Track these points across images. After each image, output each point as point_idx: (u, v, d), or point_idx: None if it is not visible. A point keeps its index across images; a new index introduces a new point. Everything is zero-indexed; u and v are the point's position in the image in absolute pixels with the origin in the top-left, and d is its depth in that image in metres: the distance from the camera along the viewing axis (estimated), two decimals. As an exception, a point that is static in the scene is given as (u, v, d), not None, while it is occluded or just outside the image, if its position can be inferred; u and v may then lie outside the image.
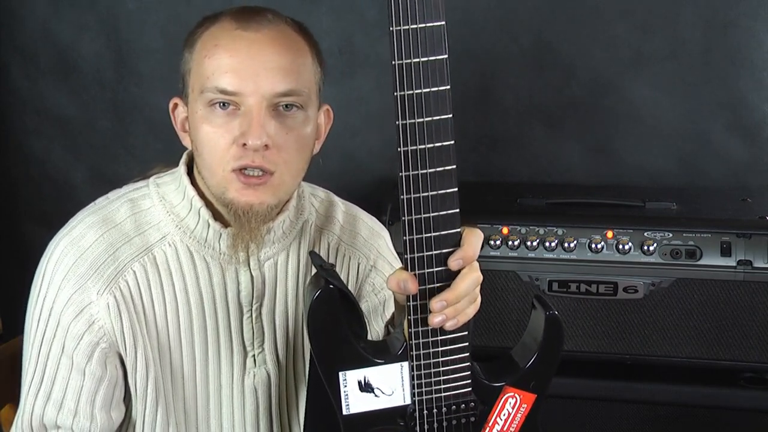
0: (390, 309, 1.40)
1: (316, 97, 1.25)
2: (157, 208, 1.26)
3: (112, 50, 2.47)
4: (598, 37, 2.28)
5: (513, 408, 1.22)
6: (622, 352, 1.87)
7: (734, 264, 1.80)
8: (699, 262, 1.82)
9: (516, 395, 1.22)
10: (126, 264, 1.22)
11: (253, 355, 1.30)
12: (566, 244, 1.85)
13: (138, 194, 1.28)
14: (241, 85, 1.16)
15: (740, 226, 1.84)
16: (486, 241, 1.86)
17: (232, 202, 1.19)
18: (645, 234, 1.84)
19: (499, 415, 1.21)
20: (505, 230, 1.87)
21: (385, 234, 1.45)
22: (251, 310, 1.29)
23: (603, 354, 1.87)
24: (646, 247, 1.83)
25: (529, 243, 1.86)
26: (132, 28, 2.44)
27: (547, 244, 1.86)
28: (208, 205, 1.25)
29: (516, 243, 1.86)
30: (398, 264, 1.43)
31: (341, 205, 1.42)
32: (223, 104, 1.17)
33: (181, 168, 1.28)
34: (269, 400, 1.32)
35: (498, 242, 1.86)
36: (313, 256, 1.22)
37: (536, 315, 1.24)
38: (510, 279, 1.87)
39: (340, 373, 1.16)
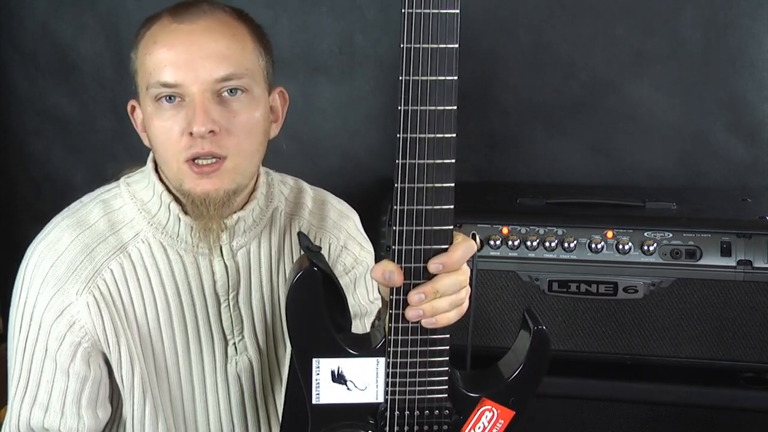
0: (361, 287, 1.43)
1: (262, 80, 1.26)
2: (129, 206, 1.28)
3: (112, 50, 2.46)
4: (598, 37, 2.27)
5: (489, 422, 1.18)
6: (622, 352, 1.87)
7: (734, 264, 1.80)
8: (699, 262, 1.81)
9: (493, 409, 1.18)
10: (103, 263, 1.24)
11: (234, 343, 1.32)
12: (566, 244, 1.85)
13: (109, 194, 1.31)
14: (180, 75, 1.18)
15: (740, 226, 1.84)
16: (486, 241, 1.86)
17: (189, 192, 1.21)
18: (645, 234, 1.84)
19: (473, 427, 1.18)
20: (505, 230, 1.87)
21: (354, 216, 1.46)
22: (228, 299, 1.30)
23: (603, 354, 1.87)
24: (646, 247, 1.83)
25: (529, 243, 1.86)
26: (132, 28, 2.41)
27: (547, 244, 1.86)
28: (177, 199, 1.26)
29: (516, 243, 1.86)
30: (368, 245, 1.46)
31: (310, 191, 1.44)
32: (169, 98, 1.20)
33: (149, 165, 1.30)
34: (253, 387, 1.34)
35: (498, 242, 1.86)
36: (301, 237, 1.23)
37: (524, 329, 1.20)
38: (510, 279, 1.87)
39: (314, 360, 1.14)
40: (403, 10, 0.99)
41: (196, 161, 1.19)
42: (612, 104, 2.30)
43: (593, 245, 1.84)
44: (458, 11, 1.00)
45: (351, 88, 2.37)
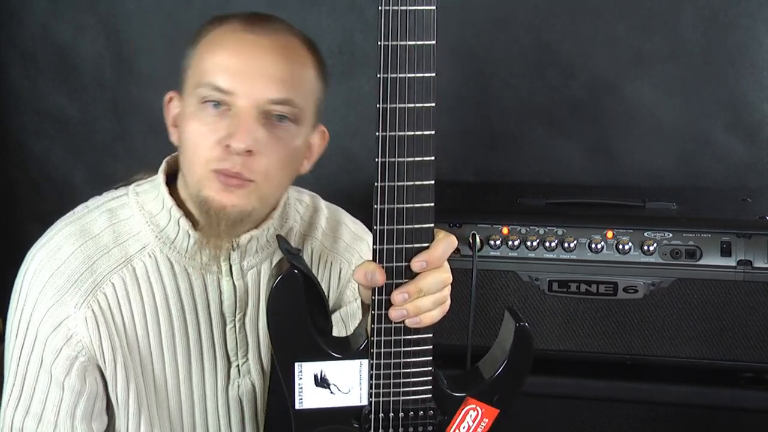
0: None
1: (312, 115, 1.23)
2: (137, 218, 1.24)
3: (112, 50, 2.46)
4: (598, 37, 2.28)
5: (474, 421, 1.17)
6: (622, 352, 1.86)
7: (734, 264, 1.80)
8: (699, 262, 1.81)
9: (478, 408, 1.17)
10: (104, 276, 1.20)
11: (237, 365, 1.28)
12: (566, 244, 1.85)
13: (117, 203, 1.26)
14: (235, 84, 1.14)
15: (740, 226, 1.84)
16: (486, 241, 1.86)
17: (207, 200, 1.17)
18: (645, 234, 1.84)
19: (458, 427, 1.17)
20: (505, 230, 1.87)
21: (369, 237, 1.41)
22: (234, 320, 1.27)
23: (603, 354, 1.87)
24: (646, 247, 1.83)
25: (529, 243, 1.86)
26: (132, 28, 2.44)
27: (547, 244, 1.86)
28: (188, 214, 1.22)
29: (516, 243, 1.86)
30: None
31: (325, 210, 1.40)
32: (216, 104, 1.15)
33: (160, 176, 1.25)
34: (254, 410, 1.31)
35: (498, 242, 1.86)
36: (280, 240, 1.19)
37: (506, 326, 1.19)
38: (510, 279, 1.87)
39: (296, 364, 1.11)
40: (379, 8, 0.98)
41: (224, 172, 1.15)
42: (612, 104, 2.30)
43: (593, 245, 1.84)
44: (435, 8, 0.99)
45: (351, 88, 2.36)
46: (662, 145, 2.30)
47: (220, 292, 1.25)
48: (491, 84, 2.34)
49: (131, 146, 2.52)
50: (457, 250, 1.84)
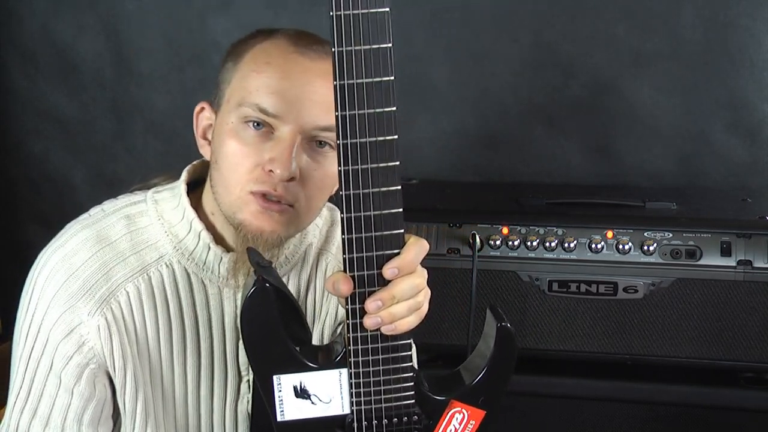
0: None
1: None
2: (155, 226, 1.22)
3: (112, 50, 2.47)
4: (598, 37, 2.28)
5: (460, 424, 1.16)
6: (622, 352, 1.86)
7: (734, 264, 1.80)
8: (699, 262, 1.81)
9: (463, 410, 1.16)
10: (119, 284, 1.18)
11: (248, 380, 1.26)
12: (566, 244, 1.85)
13: (134, 210, 1.23)
14: (283, 109, 1.12)
15: (740, 226, 1.84)
16: (486, 241, 1.86)
17: (243, 224, 1.15)
18: (645, 234, 1.84)
19: (445, 430, 1.16)
20: (505, 230, 1.87)
21: None
22: None
23: (603, 354, 1.87)
24: (646, 247, 1.83)
25: (529, 243, 1.86)
26: (132, 28, 2.45)
27: (547, 244, 1.86)
28: (209, 227, 1.21)
29: (516, 243, 1.86)
30: None
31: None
32: (258, 124, 1.13)
33: (182, 186, 1.23)
34: None
35: (498, 242, 1.86)
36: (250, 252, 1.15)
37: (489, 326, 1.17)
38: (510, 279, 1.87)
39: (275, 377, 1.10)
40: (331, 13, 0.96)
41: (264, 195, 1.13)
42: (612, 104, 2.30)
43: (593, 245, 1.84)
44: (388, 9, 0.97)
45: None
46: (662, 145, 2.31)
47: (236, 306, 1.23)
48: (491, 84, 2.34)
49: (131, 146, 2.52)
50: (457, 250, 1.84)
